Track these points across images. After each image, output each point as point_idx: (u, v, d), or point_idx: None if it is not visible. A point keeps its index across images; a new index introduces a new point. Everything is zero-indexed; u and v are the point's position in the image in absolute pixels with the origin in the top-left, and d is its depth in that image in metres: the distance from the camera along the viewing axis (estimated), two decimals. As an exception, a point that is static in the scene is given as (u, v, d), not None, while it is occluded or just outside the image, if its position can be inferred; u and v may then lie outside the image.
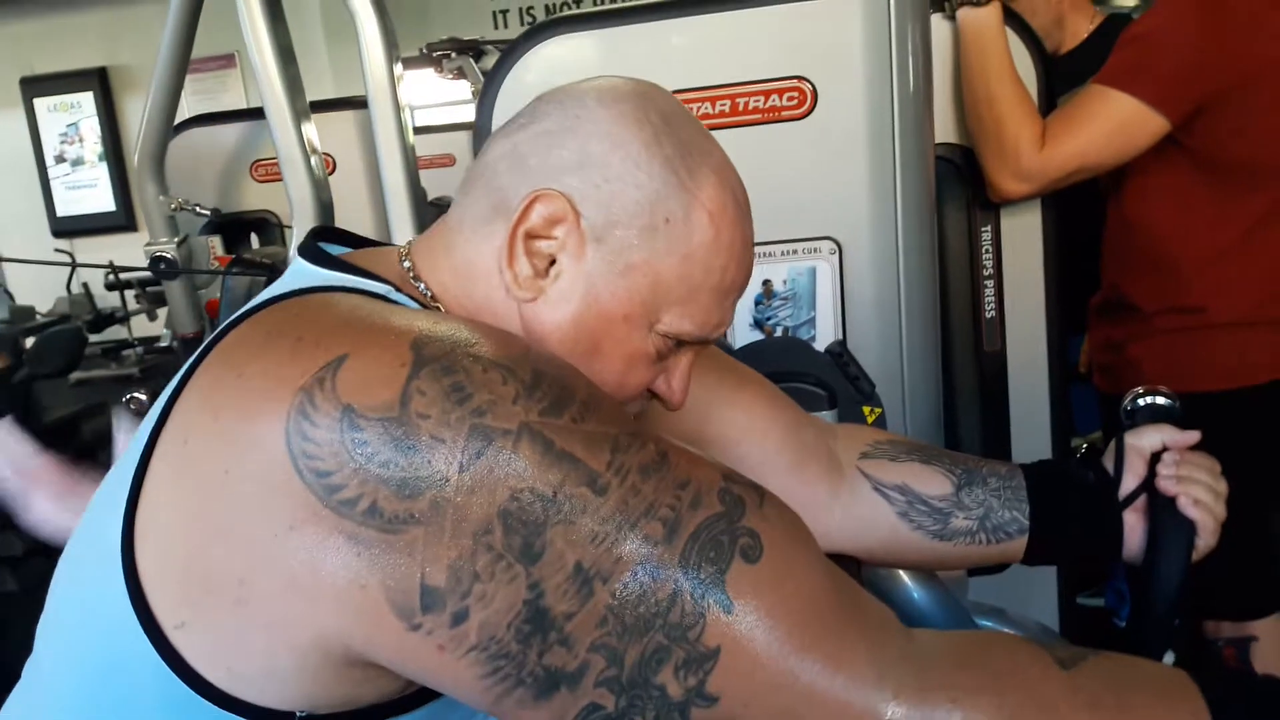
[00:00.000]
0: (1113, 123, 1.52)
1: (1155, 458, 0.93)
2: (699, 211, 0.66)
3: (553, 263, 0.65)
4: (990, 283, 1.69)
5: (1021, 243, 1.69)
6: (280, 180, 1.77)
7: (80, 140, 7.14)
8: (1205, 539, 0.89)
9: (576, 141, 0.65)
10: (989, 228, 1.68)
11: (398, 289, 0.66)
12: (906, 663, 0.58)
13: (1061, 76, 1.79)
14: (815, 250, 1.36)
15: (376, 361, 0.54)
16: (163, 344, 3.68)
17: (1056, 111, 1.59)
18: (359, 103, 2.05)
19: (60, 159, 7.15)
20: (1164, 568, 0.88)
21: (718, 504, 0.57)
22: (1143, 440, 0.93)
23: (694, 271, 0.66)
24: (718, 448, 0.90)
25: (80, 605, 0.62)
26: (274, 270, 1.62)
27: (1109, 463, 0.94)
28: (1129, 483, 0.92)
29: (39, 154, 6.77)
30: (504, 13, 6.74)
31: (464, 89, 3.00)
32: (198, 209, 2.14)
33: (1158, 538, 0.89)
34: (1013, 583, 1.59)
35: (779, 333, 1.40)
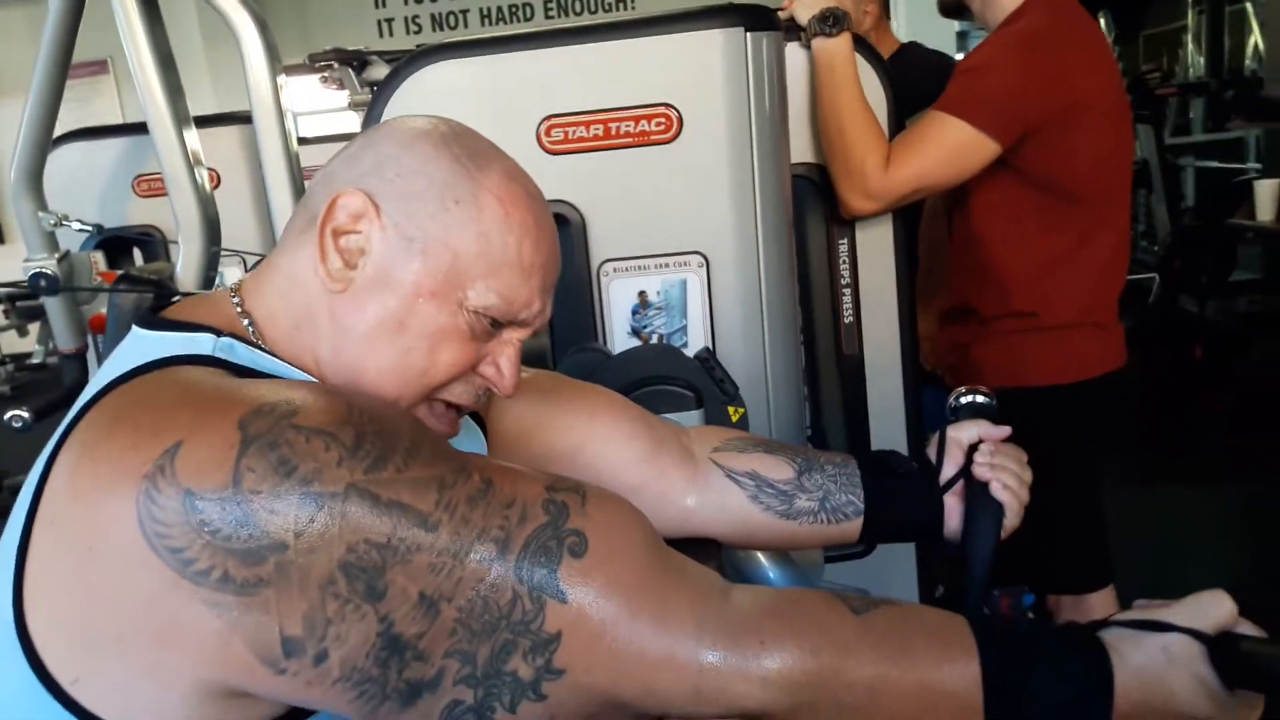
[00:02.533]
0: (950, 146, 1.68)
1: (973, 448, 1.06)
2: (486, 194, 0.74)
3: (361, 254, 0.73)
4: (848, 291, 1.83)
5: (875, 254, 1.83)
6: (164, 195, 1.79)
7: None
8: (1011, 519, 1.02)
9: (373, 151, 0.75)
10: (845, 240, 1.82)
11: (224, 333, 0.73)
12: (723, 616, 0.69)
13: None
14: (685, 264, 1.47)
15: (208, 445, 0.60)
16: (35, 360, 3.57)
17: (900, 135, 1.74)
18: (243, 118, 2.08)
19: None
20: (978, 543, 1.01)
21: (542, 515, 0.66)
22: (962, 433, 1.07)
23: (490, 248, 0.73)
24: (572, 459, 0.99)
25: None
26: (160, 285, 1.65)
27: (933, 452, 1.07)
28: (948, 470, 1.05)
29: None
30: (389, 21, 6.69)
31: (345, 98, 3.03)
32: (79, 224, 2.13)
33: (972, 518, 1.02)
34: (876, 572, 1.73)
35: (654, 339, 1.50)
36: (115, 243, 2.28)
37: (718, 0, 1.43)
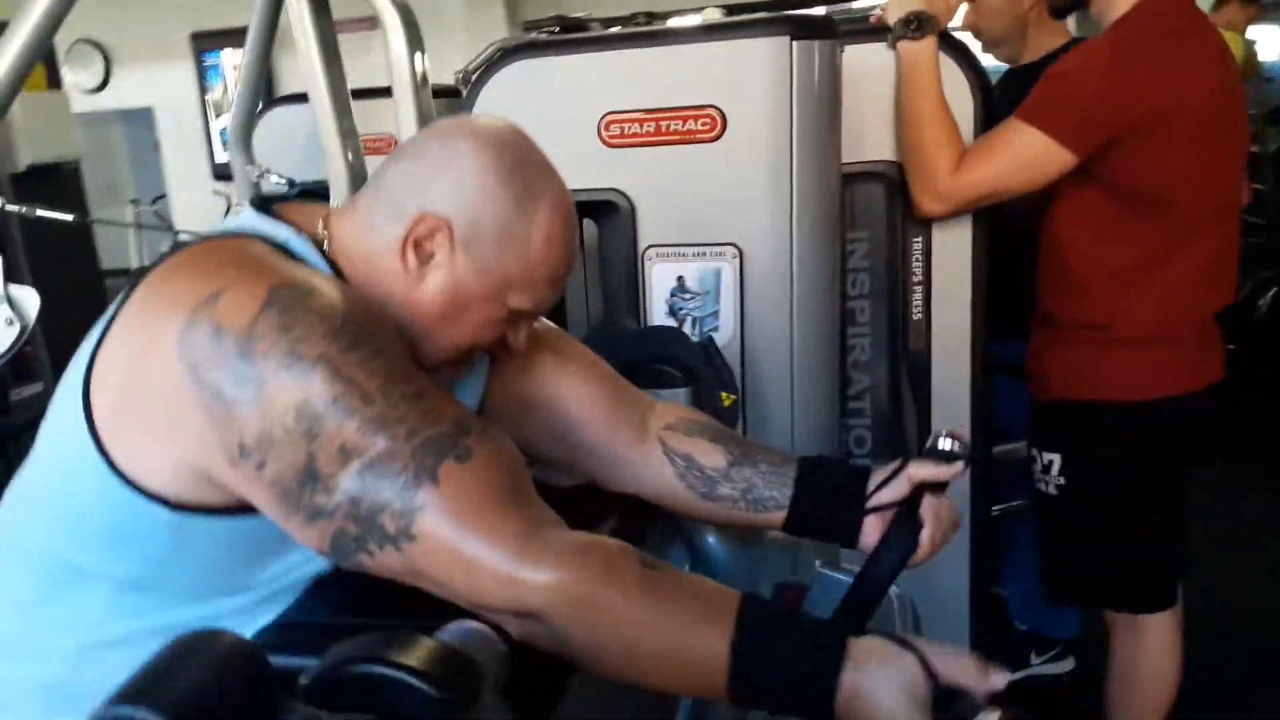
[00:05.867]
0: (1023, 155, 1.68)
1: (921, 487, 1.11)
2: (536, 230, 0.95)
3: (432, 258, 0.95)
4: (919, 288, 1.87)
5: (951, 253, 1.86)
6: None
7: (226, 90, 7.78)
8: (916, 558, 1.10)
9: (450, 176, 0.95)
10: (920, 238, 1.85)
11: (300, 233, 0.93)
12: (545, 547, 0.83)
13: (1016, 86, 1.94)
14: (720, 254, 1.59)
15: (240, 297, 0.82)
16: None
17: (977, 140, 1.75)
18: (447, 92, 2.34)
19: (218, 108, 7.81)
20: (881, 566, 1.09)
21: (450, 426, 0.84)
22: (920, 470, 1.12)
23: (532, 271, 0.96)
24: (545, 406, 1.16)
25: (54, 430, 0.92)
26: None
27: (883, 475, 1.14)
28: (887, 495, 1.12)
29: (203, 103, 7.46)
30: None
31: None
32: (276, 178, 2.50)
33: (887, 544, 1.09)
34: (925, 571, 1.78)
35: (689, 322, 1.63)
36: (308, 195, 2.63)
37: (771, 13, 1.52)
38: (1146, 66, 1.63)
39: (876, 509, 1.12)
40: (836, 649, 0.81)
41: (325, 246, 0.96)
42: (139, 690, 0.50)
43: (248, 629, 0.93)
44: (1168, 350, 1.74)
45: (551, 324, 1.23)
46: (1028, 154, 1.67)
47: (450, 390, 1.04)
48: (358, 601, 0.91)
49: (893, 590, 1.60)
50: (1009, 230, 1.88)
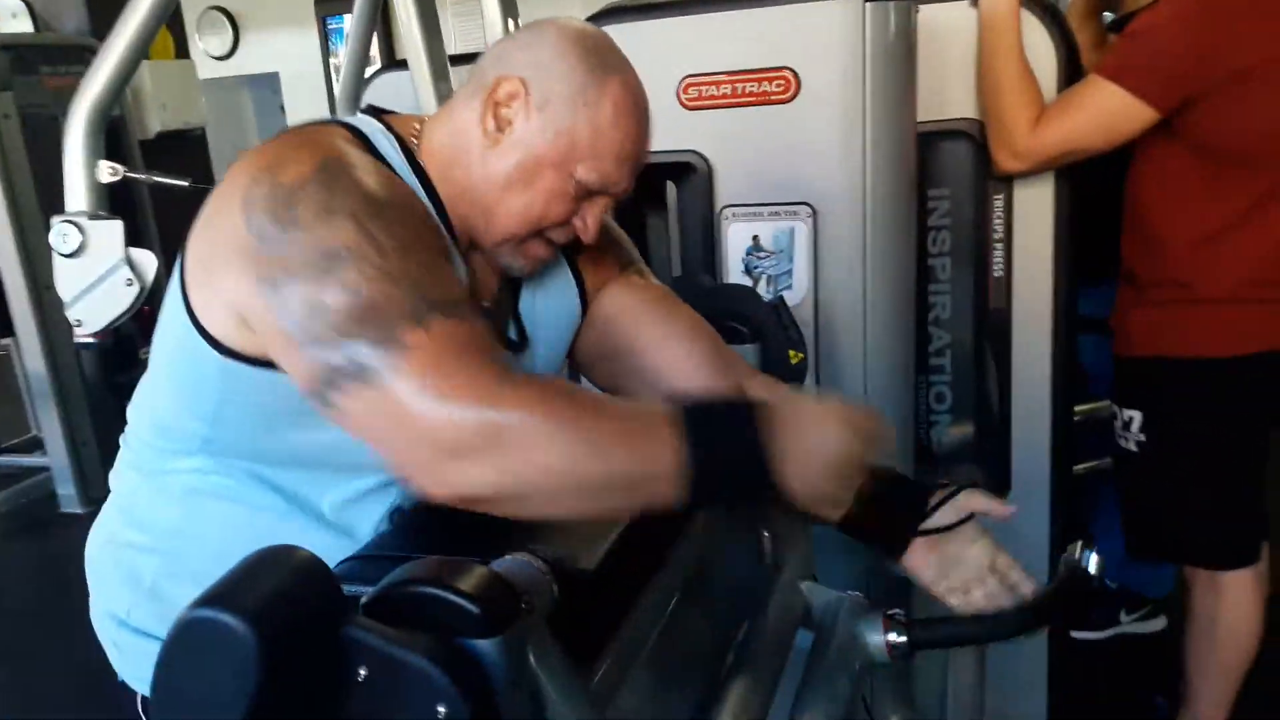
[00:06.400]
0: (1102, 112, 1.66)
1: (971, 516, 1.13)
2: (606, 100, 0.99)
3: (510, 124, 1.00)
4: (1000, 246, 1.87)
5: (1033, 211, 1.84)
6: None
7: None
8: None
9: (533, 50, 1.01)
10: (1001, 196, 1.85)
11: (390, 131, 1.01)
12: (517, 383, 0.85)
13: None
14: (794, 214, 1.63)
15: (298, 164, 0.89)
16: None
17: (1058, 97, 1.74)
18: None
19: (338, 71, 8.07)
20: None
21: (449, 294, 0.87)
22: (969, 502, 1.13)
23: (600, 139, 0.99)
24: (645, 355, 1.18)
25: (167, 297, 1.00)
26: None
27: (937, 498, 1.13)
28: (939, 519, 1.12)
29: (327, 67, 7.75)
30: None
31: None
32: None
33: None
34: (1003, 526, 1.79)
35: (764, 281, 1.68)
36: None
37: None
38: (1230, 22, 1.59)
39: (926, 532, 1.13)
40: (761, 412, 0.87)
41: (416, 148, 1.02)
42: (220, 596, 0.60)
43: (322, 500, 1.02)
44: (1250, 309, 1.72)
45: (662, 285, 1.26)
46: (1107, 111, 1.66)
47: (525, 295, 1.11)
48: (422, 543, 1.01)
49: (846, 595, 1.63)
50: (1095, 181, 1.86)
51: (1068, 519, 2.00)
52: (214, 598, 0.59)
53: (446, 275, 0.91)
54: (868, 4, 1.53)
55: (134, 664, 1.11)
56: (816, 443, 0.89)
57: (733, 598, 1.28)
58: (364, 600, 0.68)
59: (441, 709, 0.63)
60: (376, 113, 1.05)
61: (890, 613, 1.15)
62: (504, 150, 1.00)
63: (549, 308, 1.16)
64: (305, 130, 0.99)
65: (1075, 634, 2.46)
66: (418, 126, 1.05)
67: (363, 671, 0.64)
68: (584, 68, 0.99)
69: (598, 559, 0.91)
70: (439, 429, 0.83)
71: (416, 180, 1.01)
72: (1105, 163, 1.76)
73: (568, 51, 0.99)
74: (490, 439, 0.82)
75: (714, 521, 1.25)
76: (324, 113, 7.87)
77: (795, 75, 1.57)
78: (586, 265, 1.19)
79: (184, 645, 0.59)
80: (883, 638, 1.14)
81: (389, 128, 1.02)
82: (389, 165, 0.99)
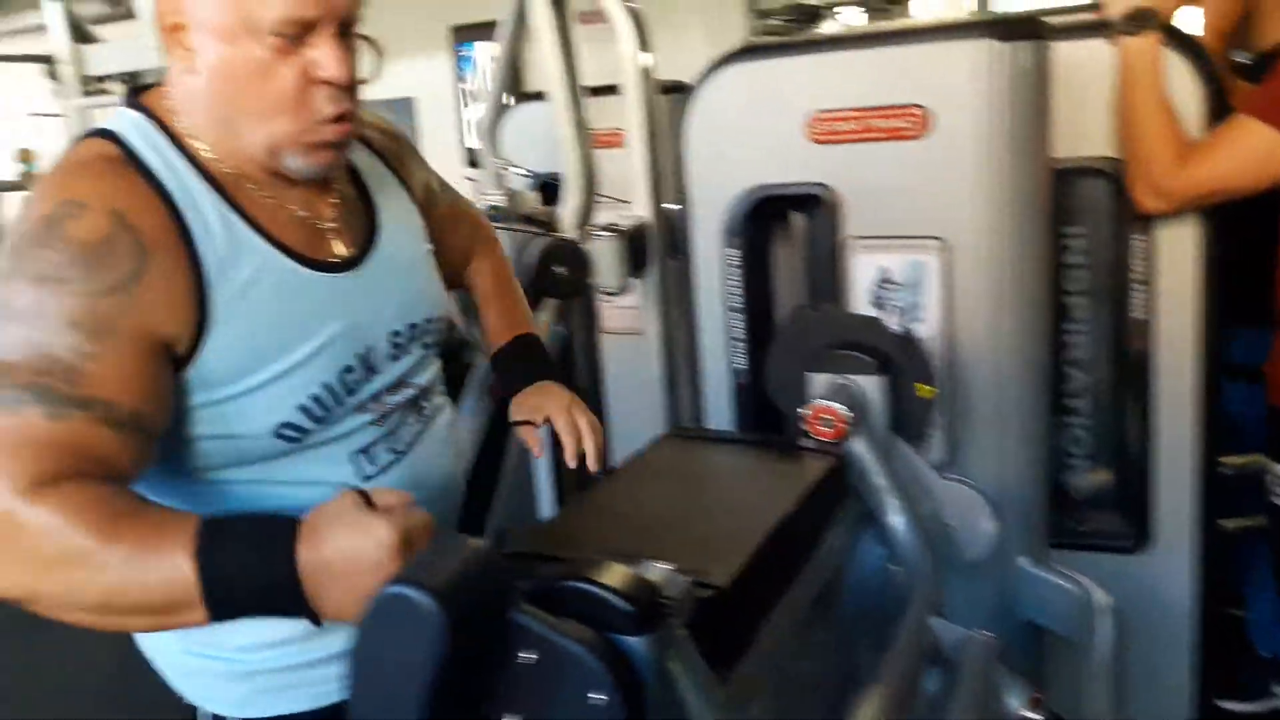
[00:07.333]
0: (1250, 152, 1.62)
1: None
2: None
3: (188, 37, 0.93)
4: (1141, 287, 1.82)
5: (1175, 252, 1.79)
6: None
7: (477, 79, 8.29)
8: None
9: None
10: (1143, 235, 1.81)
11: (150, 116, 0.97)
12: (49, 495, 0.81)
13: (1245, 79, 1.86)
14: (923, 246, 1.64)
15: (38, 205, 0.90)
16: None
17: (1203, 136, 1.70)
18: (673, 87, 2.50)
19: (470, 97, 8.40)
20: None
21: (69, 390, 0.84)
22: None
23: None
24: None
25: None
26: (547, 225, 2.16)
27: None
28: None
29: (458, 93, 8.08)
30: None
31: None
32: (517, 170, 2.73)
33: None
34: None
35: (893, 314, 1.69)
36: (551, 186, 2.85)
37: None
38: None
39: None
40: (287, 529, 0.80)
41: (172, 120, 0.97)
42: (411, 577, 0.66)
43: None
44: None
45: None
46: (1254, 151, 1.61)
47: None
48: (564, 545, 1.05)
49: (1098, 593, 1.61)
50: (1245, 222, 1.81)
51: (1215, 579, 1.91)
52: (405, 578, 0.65)
53: (99, 368, 0.86)
54: (1001, 44, 1.54)
55: (202, 686, 1.11)
56: (346, 562, 0.79)
57: (861, 626, 1.30)
58: (524, 589, 0.73)
59: (595, 696, 0.68)
60: (133, 97, 1.00)
61: (1037, 695, 1.14)
62: (202, 61, 0.93)
63: (395, 215, 1.14)
64: (73, 156, 0.96)
65: (1224, 704, 2.34)
66: (167, 99, 1.00)
67: (525, 654, 0.68)
68: None
69: (732, 574, 0.94)
70: None
71: (179, 158, 0.96)
72: (1256, 203, 1.72)
73: None
74: (6, 537, 0.81)
75: (843, 549, 1.27)
76: (453, 137, 8.22)
77: (927, 112, 1.59)
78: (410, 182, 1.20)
79: (380, 618, 0.65)
80: (1024, 714, 1.14)
81: (147, 113, 0.98)
82: (141, 165, 0.94)
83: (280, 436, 0.97)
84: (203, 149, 0.97)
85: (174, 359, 0.92)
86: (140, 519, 0.82)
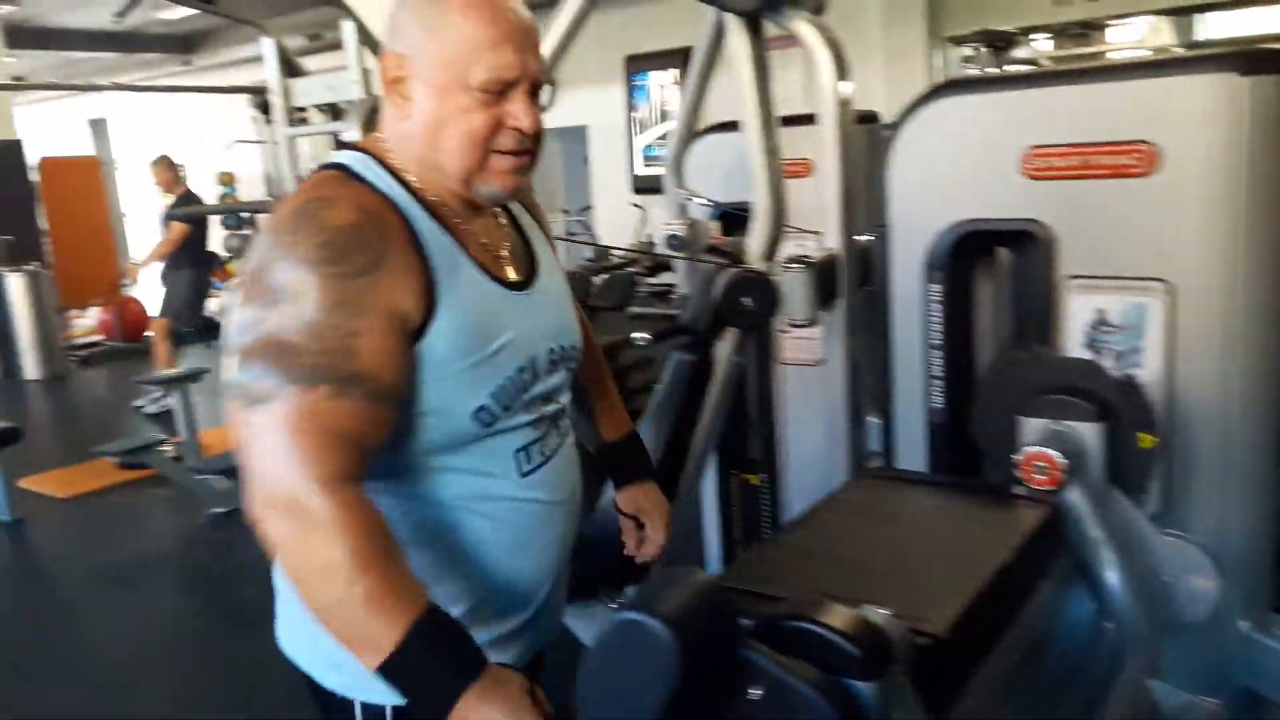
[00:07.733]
0: None
1: None
2: (450, 11, 1.05)
3: (406, 87, 1.08)
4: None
5: None
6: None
7: (649, 108, 8.42)
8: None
9: (389, 24, 1.10)
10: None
11: (366, 154, 1.11)
12: (336, 488, 0.95)
13: None
14: (1146, 288, 1.56)
15: (282, 206, 1.06)
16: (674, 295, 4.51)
17: None
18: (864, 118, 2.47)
19: (642, 126, 8.54)
20: None
21: (350, 370, 0.97)
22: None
23: (465, 41, 1.04)
24: None
25: None
26: (732, 256, 2.16)
27: None
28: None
29: (629, 121, 8.27)
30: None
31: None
32: (699, 200, 2.75)
33: None
34: None
35: (1109, 357, 1.61)
36: (732, 216, 2.86)
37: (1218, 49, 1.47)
38: None
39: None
40: (473, 671, 0.92)
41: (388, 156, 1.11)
42: (644, 605, 0.66)
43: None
44: None
45: None
46: None
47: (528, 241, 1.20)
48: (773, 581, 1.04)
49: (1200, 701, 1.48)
50: None
51: None
52: (639, 606, 0.66)
53: (366, 345, 0.98)
54: (1246, 78, 1.44)
55: (353, 677, 1.14)
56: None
57: (1070, 684, 1.23)
58: (748, 625, 0.73)
59: (822, 739, 0.66)
60: (350, 146, 1.16)
61: None
62: (416, 110, 1.08)
63: (546, 257, 1.25)
64: (313, 178, 1.11)
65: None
66: (382, 141, 1.14)
67: (754, 691, 0.68)
68: (420, 4, 1.07)
69: (950, 623, 0.91)
70: (267, 482, 0.96)
71: (398, 185, 1.09)
72: None
73: (406, 3, 1.08)
74: (291, 510, 0.95)
75: (1055, 603, 1.21)
76: (622, 164, 8.37)
77: (1155, 148, 1.51)
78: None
79: (614, 644, 0.66)
80: None
81: (366, 152, 1.12)
82: (371, 185, 1.08)
83: (476, 419, 1.09)
84: (413, 180, 1.11)
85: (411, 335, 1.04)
86: (388, 570, 0.96)
